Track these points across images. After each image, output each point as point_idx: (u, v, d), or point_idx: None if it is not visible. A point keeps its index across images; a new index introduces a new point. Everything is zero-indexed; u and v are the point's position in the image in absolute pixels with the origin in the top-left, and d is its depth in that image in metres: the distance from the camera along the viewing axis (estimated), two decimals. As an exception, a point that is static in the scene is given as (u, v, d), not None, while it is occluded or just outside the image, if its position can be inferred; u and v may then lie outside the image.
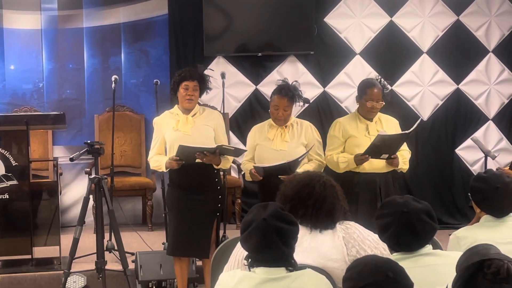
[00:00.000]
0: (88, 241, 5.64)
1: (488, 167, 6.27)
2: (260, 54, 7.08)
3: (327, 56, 7.16)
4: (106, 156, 5.81)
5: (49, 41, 7.01)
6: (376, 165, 4.89)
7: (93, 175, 4.75)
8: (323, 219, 2.94)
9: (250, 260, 2.59)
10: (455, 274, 2.17)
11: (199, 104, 4.90)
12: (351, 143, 4.96)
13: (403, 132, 4.95)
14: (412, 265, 2.47)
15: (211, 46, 6.96)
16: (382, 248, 2.85)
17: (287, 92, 4.88)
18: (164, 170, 4.76)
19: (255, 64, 7.13)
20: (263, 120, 5.13)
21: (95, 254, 4.72)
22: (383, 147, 4.81)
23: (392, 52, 7.17)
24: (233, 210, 6.85)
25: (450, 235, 3.27)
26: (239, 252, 2.85)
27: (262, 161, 4.87)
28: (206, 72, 5.12)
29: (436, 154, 7.27)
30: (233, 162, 5.16)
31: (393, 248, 2.73)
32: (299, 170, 4.70)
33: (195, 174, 4.67)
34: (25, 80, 7.00)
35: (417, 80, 7.24)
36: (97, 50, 7.09)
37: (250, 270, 2.58)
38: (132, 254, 5.44)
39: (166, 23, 7.07)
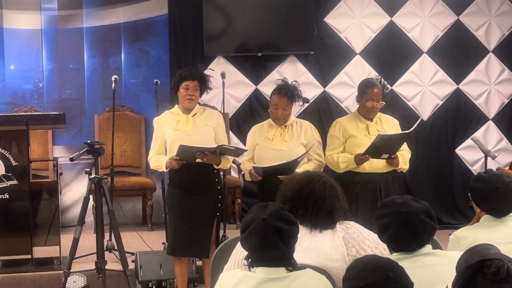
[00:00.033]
0: (88, 241, 5.64)
1: (488, 167, 6.27)
2: (260, 54, 7.08)
3: (327, 56, 7.16)
4: (106, 156, 5.81)
5: (49, 41, 7.01)
6: (376, 165, 4.90)
7: (93, 175, 4.75)
8: (323, 219, 2.94)
9: (250, 260, 2.59)
10: (455, 274, 2.17)
11: (199, 104, 4.90)
12: (351, 143, 4.96)
13: (403, 132, 4.95)
14: (411, 265, 2.47)
15: (211, 46, 6.96)
16: (382, 248, 2.85)
17: (287, 91, 4.88)
18: (164, 170, 4.76)
19: (255, 64, 7.13)
20: (263, 120, 5.13)
21: (95, 254, 4.72)
22: (383, 147, 4.81)
23: (392, 52, 7.18)
24: (233, 210, 6.85)
25: (450, 235, 3.27)
26: (239, 252, 2.85)
27: (262, 161, 4.88)
28: (207, 72, 5.12)
29: (436, 154, 7.27)
30: (233, 162, 5.16)
31: (393, 248, 2.73)
32: (299, 170, 4.70)
33: (195, 174, 4.67)
34: (25, 80, 7.00)
35: (417, 80, 7.24)
36: (97, 50, 7.09)
37: (250, 270, 2.58)
38: (132, 254, 5.44)
39: (166, 23, 7.07)
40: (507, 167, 6.45)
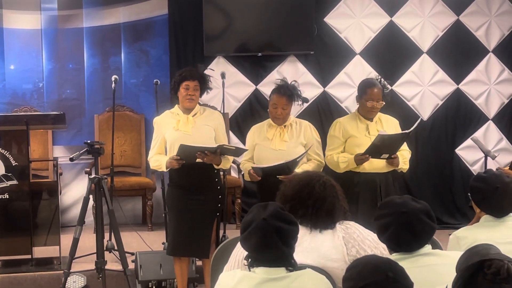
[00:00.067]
0: (88, 241, 5.64)
1: (488, 167, 6.27)
2: (260, 54, 7.08)
3: (327, 56, 7.16)
4: (106, 156, 5.81)
5: (49, 41, 7.01)
6: (376, 165, 4.89)
7: (93, 175, 4.75)
8: (323, 219, 2.94)
9: (250, 260, 2.59)
10: (454, 274, 2.17)
11: (199, 104, 4.90)
12: (351, 143, 4.96)
13: (403, 132, 4.95)
14: (411, 265, 2.47)
15: (211, 46, 6.96)
16: (382, 248, 2.85)
17: (286, 90, 4.88)
18: (165, 170, 4.76)
19: (255, 64, 7.13)
20: (263, 120, 5.13)
21: (95, 254, 4.72)
22: (383, 147, 4.81)
23: (392, 52, 7.18)
24: (233, 210, 6.85)
25: (450, 235, 3.27)
26: (239, 252, 2.85)
27: (261, 160, 4.88)
28: (207, 72, 5.12)
29: (436, 154, 7.27)
30: (233, 162, 5.16)
31: (392, 248, 2.73)
32: (298, 170, 4.70)
33: (196, 174, 4.67)
34: (25, 80, 7.00)
35: (417, 80, 7.24)
36: (97, 50, 7.09)
37: (250, 270, 2.58)
38: (132, 254, 5.44)
39: (166, 23, 7.07)
40: (507, 167, 6.45)
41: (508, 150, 7.36)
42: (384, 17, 7.18)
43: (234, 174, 6.97)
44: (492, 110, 7.36)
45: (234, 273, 2.64)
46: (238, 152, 4.83)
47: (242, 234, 2.58)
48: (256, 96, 7.13)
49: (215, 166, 4.72)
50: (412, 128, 4.85)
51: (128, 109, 7.11)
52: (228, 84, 6.61)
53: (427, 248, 2.70)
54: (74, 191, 7.00)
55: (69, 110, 6.64)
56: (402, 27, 7.21)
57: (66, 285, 4.81)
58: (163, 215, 5.67)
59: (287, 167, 4.69)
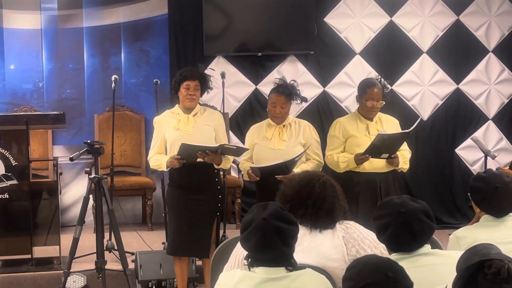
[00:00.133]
0: (88, 240, 5.64)
1: (488, 167, 6.27)
2: (260, 54, 7.08)
3: (327, 56, 7.16)
4: (106, 156, 5.82)
5: (49, 41, 7.01)
6: (376, 164, 4.89)
7: (93, 175, 4.75)
8: (323, 218, 2.94)
9: (250, 259, 2.59)
10: (454, 273, 2.17)
11: (199, 104, 4.90)
12: (352, 142, 4.96)
13: (403, 131, 4.95)
14: (410, 265, 2.47)
15: (211, 46, 6.96)
16: (382, 248, 2.85)
17: (284, 89, 4.89)
18: (165, 169, 4.75)
19: (255, 64, 7.13)
20: (263, 120, 5.13)
21: (95, 254, 4.72)
22: (383, 146, 4.81)
23: (392, 52, 7.18)
24: (233, 209, 6.85)
25: (450, 235, 3.27)
26: (239, 252, 2.85)
27: (260, 160, 4.88)
28: (207, 71, 5.12)
29: (436, 154, 7.27)
30: (233, 161, 5.16)
31: (392, 248, 2.73)
32: (297, 170, 4.71)
33: (196, 173, 4.67)
34: (25, 80, 7.00)
35: (417, 80, 7.24)
36: (97, 49, 7.09)
37: (250, 270, 2.58)
38: (132, 253, 5.44)
39: (166, 23, 7.07)
40: (507, 167, 6.45)
41: (508, 150, 7.36)
42: (384, 17, 7.18)
43: (234, 174, 6.97)
44: (492, 110, 7.36)
45: (234, 273, 2.64)
46: (238, 151, 4.83)
47: (242, 234, 2.58)
48: (256, 96, 7.13)
49: (215, 166, 4.72)
50: (412, 128, 4.85)
51: (128, 109, 7.11)
52: (228, 84, 6.61)
53: (427, 248, 2.70)
54: (74, 191, 7.00)
55: (69, 110, 6.64)
56: (402, 27, 7.21)
57: (66, 285, 4.81)
58: (163, 215, 5.67)
59: (286, 167, 4.69)
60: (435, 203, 6.88)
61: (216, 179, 4.78)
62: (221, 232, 5.49)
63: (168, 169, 4.71)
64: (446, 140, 7.32)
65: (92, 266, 4.83)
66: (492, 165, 6.55)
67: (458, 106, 7.31)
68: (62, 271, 4.91)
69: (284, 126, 4.94)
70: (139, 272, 5.12)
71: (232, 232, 6.02)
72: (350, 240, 2.91)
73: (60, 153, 6.95)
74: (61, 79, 7.07)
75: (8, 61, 6.95)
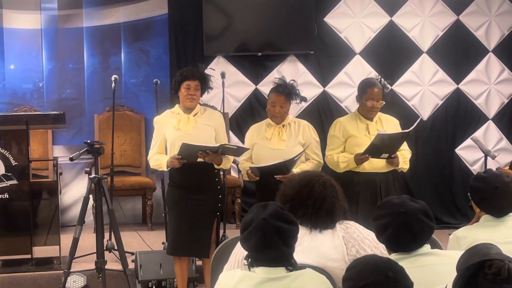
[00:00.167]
0: (88, 240, 5.64)
1: (488, 167, 6.27)
2: (260, 53, 7.08)
3: (327, 56, 7.16)
4: (106, 156, 5.81)
5: (49, 41, 7.01)
6: (376, 164, 4.89)
7: (93, 175, 4.75)
8: (323, 219, 2.94)
9: (250, 259, 2.59)
10: (454, 273, 2.17)
11: (199, 104, 4.89)
12: (352, 142, 4.96)
13: (403, 131, 4.95)
14: (410, 265, 2.47)
15: (211, 46, 6.96)
16: (382, 248, 2.85)
17: (284, 89, 4.90)
18: (165, 169, 4.75)
19: (255, 63, 7.13)
20: (263, 120, 5.13)
21: (95, 254, 4.72)
22: (383, 146, 4.81)
23: (392, 52, 7.18)
24: (233, 209, 6.85)
25: (450, 235, 3.27)
26: (239, 252, 2.85)
27: (260, 160, 4.88)
28: (207, 71, 5.12)
29: (436, 154, 7.27)
30: (233, 161, 5.16)
31: (391, 248, 2.73)
32: (296, 170, 4.71)
33: (196, 173, 4.66)
34: (25, 80, 7.00)
35: (417, 80, 7.24)
36: (97, 49, 7.09)
37: (250, 270, 2.58)
38: (132, 253, 5.44)
39: (166, 23, 7.07)
40: (507, 167, 6.44)
41: (508, 150, 7.36)
42: (384, 17, 7.18)
43: (234, 173, 6.97)
44: (492, 110, 7.36)
45: (234, 272, 2.64)
46: (239, 151, 4.83)
47: (242, 234, 2.58)
48: (256, 96, 7.13)
49: (216, 166, 4.71)
50: (411, 128, 4.85)
51: (128, 109, 7.11)
52: (228, 84, 6.61)
53: (426, 247, 2.70)
54: (74, 190, 7.00)
55: (69, 110, 6.64)
56: (402, 27, 7.21)
57: (66, 285, 4.81)
58: (163, 214, 5.67)
59: (285, 166, 4.69)
60: (435, 203, 6.88)
61: (216, 179, 4.78)
62: (221, 232, 5.49)
63: (168, 169, 4.71)
64: (446, 140, 7.32)
65: (92, 266, 4.83)
66: (492, 165, 6.54)
67: (458, 106, 7.31)
68: (62, 271, 4.91)
69: (283, 126, 4.94)
70: (139, 272, 5.12)
71: (232, 232, 6.02)
72: (350, 240, 2.91)
73: (60, 153, 6.95)
74: (61, 79, 7.07)
75: (8, 61, 6.95)
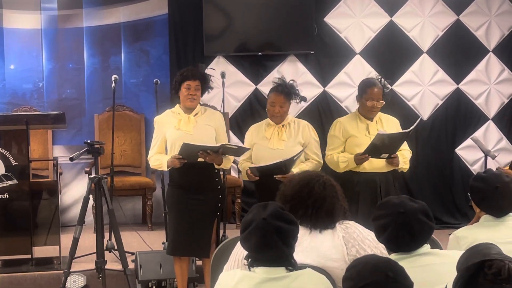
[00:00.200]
0: (88, 240, 5.64)
1: (488, 167, 6.27)
2: (260, 53, 7.08)
3: (327, 56, 7.16)
4: (106, 156, 5.81)
5: (49, 41, 7.01)
6: (376, 164, 4.89)
7: (93, 175, 4.74)
8: (323, 219, 2.94)
9: (250, 259, 2.59)
10: (454, 273, 2.16)
11: (200, 104, 4.89)
12: (352, 142, 4.96)
13: (402, 131, 4.95)
14: (410, 265, 2.46)
15: (211, 45, 6.96)
16: (382, 248, 2.85)
17: (283, 88, 4.90)
18: (165, 169, 4.75)
19: (255, 63, 7.13)
20: (263, 120, 5.13)
21: (95, 254, 4.72)
22: (383, 146, 4.81)
23: (392, 52, 7.18)
24: (233, 209, 6.85)
25: (450, 234, 3.27)
26: (239, 252, 2.85)
27: (260, 160, 4.88)
28: (207, 71, 5.12)
29: (436, 154, 7.27)
30: (233, 161, 5.16)
31: (391, 248, 2.72)
32: (295, 169, 4.71)
33: (196, 173, 4.66)
34: (25, 80, 7.01)
35: (417, 80, 7.24)
36: (97, 49, 7.09)
37: (250, 270, 2.58)
38: (132, 253, 5.44)
39: (166, 23, 7.07)
40: (507, 167, 6.44)
41: (508, 149, 7.36)
42: (384, 17, 7.18)
43: (234, 173, 6.96)
44: (492, 110, 7.36)
45: (234, 272, 2.64)
46: (239, 151, 4.83)
47: (242, 234, 2.58)
48: (256, 96, 7.13)
49: (216, 166, 4.71)
50: (411, 128, 4.85)
51: (128, 109, 7.11)
52: (228, 83, 6.61)
53: (426, 247, 2.70)
54: (74, 190, 7.00)
55: (69, 110, 6.64)
56: (402, 27, 7.21)
57: (66, 285, 4.81)
58: (163, 214, 5.67)
59: (284, 166, 4.69)
60: (435, 203, 6.88)
61: (217, 179, 4.78)
62: (221, 232, 5.49)
63: (169, 168, 4.71)
64: (446, 140, 7.32)
65: (92, 266, 4.83)
66: (492, 165, 6.54)
67: (458, 106, 7.31)
68: (62, 271, 4.91)
69: (283, 125, 4.94)
70: (139, 272, 5.12)
71: (232, 232, 6.02)
72: (350, 240, 2.90)
73: (60, 153, 6.95)
74: (61, 79, 7.07)
75: (8, 61, 6.95)
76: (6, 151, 5.37)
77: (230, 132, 6.84)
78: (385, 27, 7.19)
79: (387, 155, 4.87)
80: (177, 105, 4.83)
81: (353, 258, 2.78)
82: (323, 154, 5.04)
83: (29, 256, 5.40)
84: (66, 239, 5.35)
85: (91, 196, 4.80)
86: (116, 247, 4.96)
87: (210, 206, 4.71)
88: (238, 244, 2.79)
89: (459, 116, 7.32)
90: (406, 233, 2.65)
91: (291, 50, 7.11)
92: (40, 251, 5.55)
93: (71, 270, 4.77)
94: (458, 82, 7.29)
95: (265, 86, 6.94)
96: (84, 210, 4.67)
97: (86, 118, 7.10)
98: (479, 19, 7.28)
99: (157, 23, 7.13)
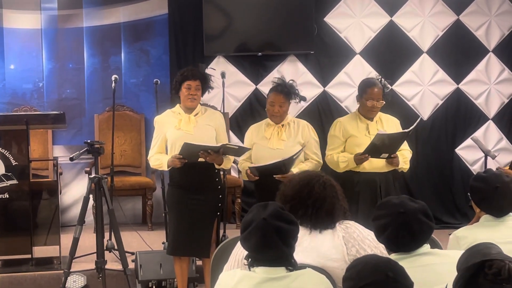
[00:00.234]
0: (88, 240, 5.64)
1: (488, 167, 6.27)
2: (260, 53, 7.08)
3: (327, 55, 7.16)
4: (106, 156, 5.81)
5: (49, 41, 7.01)
6: (376, 164, 4.89)
7: (93, 175, 4.74)
8: (323, 219, 2.94)
9: (250, 259, 2.59)
10: (453, 273, 2.16)
11: (200, 103, 4.89)
12: (352, 142, 4.96)
13: (402, 131, 4.95)
14: (410, 265, 2.46)
15: (211, 45, 6.96)
16: (382, 248, 2.85)
17: (283, 88, 4.90)
18: (165, 169, 4.75)
19: (255, 63, 7.13)
20: (263, 120, 5.13)
21: (95, 254, 4.72)
22: (383, 146, 4.81)
23: (392, 52, 7.18)
24: (233, 209, 6.85)
25: (450, 234, 3.27)
26: (239, 252, 2.85)
27: (259, 159, 4.88)
28: (208, 71, 5.12)
29: (436, 154, 7.27)
30: (233, 161, 5.16)
31: (391, 248, 2.72)
32: (295, 169, 4.70)
33: (196, 173, 4.66)
34: (25, 80, 7.01)
35: (417, 80, 7.24)
36: (97, 49, 7.09)
37: (250, 270, 2.58)
38: (132, 253, 5.44)
39: (166, 23, 7.07)
40: (507, 167, 6.44)
41: (508, 149, 7.36)
42: (384, 17, 7.18)
43: (234, 173, 6.97)
44: (492, 109, 7.36)
45: (234, 272, 2.64)
46: (240, 151, 4.83)
47: (242, 234, 2.58)
48: (256, 96, 7.13)
49: (216, 166, 4.71)
50: (411, 128, 4.85)
51: (128, 109, 7.11)
52: (228, 83, 6.61)
53: (426, 247, 2.70)
54: (74, 190, 7.00)
55: (69, 109, 6.64)
56: (402, 27, 7.21)
57: (66, 285, 4.81)
58: (163, 214, 5.67)
59: (283, 165, 4.69)
60: (435, 203, 6.88)
61: (217, 179, 4.78)
62: (221, 232, 5.49)
63: (169, 168, 4.71)
64: (446, 140, 7.32)
65: (92, 266, 4.83)
66: (492, 165, 6.54)
67: (458, 106, 7.31)
68: (62, 271, 4.91)
69: (283, 125, 4.94)
70: (139, 272, 5.12)
71: (232, 232, 6.02)
72: (350, 240, 2.90)
73: (60, 153, 6.95)
74: (61, 79, 7.07)
75: (8, 61, 6.95)
76: (6, 151, 5.37)
77: (230, 132, 6.84)
78: (385, 27, 7.19)
79: (387, 155, 4.87)
80: (178, 105, 4.83)
81: (353, 258, 2.78)
82: (323, 154, 5.04)
83: (29, 256, 5.40)
84: (66, 239, 5.35)
85: (91, 196, 4.80)
86: (116, 247, 4.96)
87: (210, 206, 4.71)
88: (238, 244, 2.79)
89: (459, 116, 7.32)
90: (406, 233, 2.65)
91: (291, 50, 7.11)
92: (40, 251, 5.55)
93: (71, 270, 4.77)
94: (458, 82, 7.29)
95: (265, 86, 6.94)
96: (84, 210, 4.67)
97: (86, 118, 7.10)
98: (479, 19, 7.28)
99: (157, 23, 7.13)
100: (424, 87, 7.25)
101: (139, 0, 7.08)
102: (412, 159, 5.17)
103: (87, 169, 6.49)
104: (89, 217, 6.29)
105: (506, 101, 7.39)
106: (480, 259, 2.08)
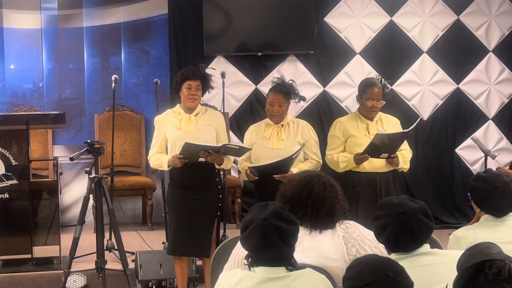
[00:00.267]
0: (88, 240, 5.64)
1: (488, 167, 6.27)
2: (260, 53, 7.08)
3: (327, 55, 7.16)
4: (106, 156, 5.82)
5: (49, 41, 7.01)
6: (376, 164, 4.89)
7: (93, 175, 4.74)
8: (322, 219, 2.94)
9: (250, 259, 2.59)
10: (453, 273, 2.16)
11: (200, 103, 4.89)
12: (352, 142, 4.96)
13: (402, 131, 4.95)
14: (410, 265, 2.46)
15: (211, 45, 6.96)
16: (382, 248, 2.85)
17: (282, 88, 4.90)
18: (166, 169, 4.75)
19: (255, 63, 7.13)
20: (263, 120, 5.13)
21: (95, 254, 4.72)
22: (383, 146, 4.81)
23: (392, 52, 7.18)
24: (233, 209, 6.85)
25: (450, 234, 3.27)
26: (239, 252, 2.85)
27: (259, 159, 4.88)
28: (208, 71, 5.12)
29: (436, 154, 7.27)
30: (233, 161, 5.16)
31: (391, 248, 2.72)
32: (295, 169, 4.70)
33: (197, 173, 4.66)
34: (25, 80, 7.01)
35: (417, 80, 7.24)
36: (97, 49, 7.09)
37: (250, 270, 2.58)
38: (132, 253, 5.45)
39: (166, 23, 7.07)
40: (507, 167, 6.44)
41: (508, 149, 7.36)
42: (384, 17, 7.18)
43: (234, 173, 6.97)
44: (492, 109, 7.36)
45: (234, 272, 2.64)
46: (241, 151, 4.83)
47: (242, 234, 2.58)
48: (256, 96, 7.13)
49: (217, 166, 4.71)
50: (411, 128, 4.85)
51: (128, 109, 7.11)
52: (228, 83, 6.61)
53: (426, 247, 2.70)
54: (74, 190, 7.00)
55: (69, 109, 6.65)
56: (402, 27, 7.21)
57: (66, 285, 4.82)
58: (163, 214, 5.67)
59: (283, 165, 4.69)
60: (435, 203, 6.89)
61: (217, 179, 4.78)
62: (221, 232, 5.49)
63: (169, 168, 4.71)
64: (446, 140, 7.32)
65: (92, 266, 4.83)
66: (492, 165, 6.55)
67: (458, 106, 7.31)
68: (62, 271, 4.91)
69: (282, 125, 4.94)
70: (139, 272, 5.12)
71: (232, 232, 6.02)
72: (350, 240, 2.90)
73: (60, 153, 6.95)
74: (61, 79, 7.07)
75: (8, 61, 6.95)
76: (6, 151, 5.37)
77: (230, 132, 6.85)
78: (385, 27, 7.19)
79: (386, 155, 4.87)
80: (178, 105, 4.82)
81: (353, 258, 2.78)
82: (323, 154, 5.04)
83: (29, 256, 5.40)
84: (66, 239, 5.35)
85: (91, 196, 4.80)
86: (116, 247, 4.96)
87: (210, 206, 4.71)
88: (238, 244, 2.79)
89: (459, 116, 7.32)
90: (405, 233, 2.65)
91: (291, 50, 7.11)
92: (40, 251, 5.55)
93: (71, 270, 4.77)
94: (458, 82, 7.29)
95: (265, 86, 6.94)
96: (84, 210, 4.67)
97: (86, 118, 7.10)
98: (479, 19, 7.28)
99: (157, 23, 7.13)
100: (424, 87, 7.25)
101: (139, 0, 7.08)
102: (412, 159, 5.17)
103: (87, 169, 6.49)
104: (89, 217, 6.29)
105: (506, 101, 7.39)
106: (480, 259, 2.08)
